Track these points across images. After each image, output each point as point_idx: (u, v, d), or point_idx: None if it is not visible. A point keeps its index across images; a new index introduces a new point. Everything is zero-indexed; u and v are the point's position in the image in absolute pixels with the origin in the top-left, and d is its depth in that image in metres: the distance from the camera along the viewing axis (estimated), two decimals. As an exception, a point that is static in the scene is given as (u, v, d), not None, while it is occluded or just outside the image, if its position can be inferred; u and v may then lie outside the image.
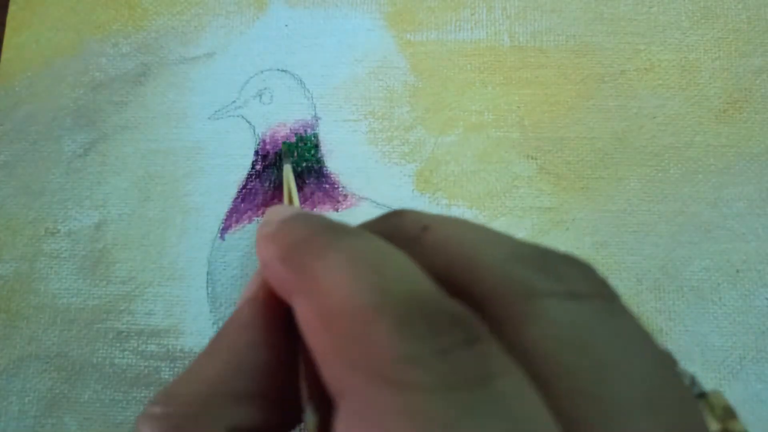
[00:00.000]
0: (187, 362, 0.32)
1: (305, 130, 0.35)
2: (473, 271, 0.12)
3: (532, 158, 0.34)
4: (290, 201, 0.26)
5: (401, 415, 0.10)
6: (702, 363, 0.31)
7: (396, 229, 0.14)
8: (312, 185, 0.34)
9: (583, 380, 0.10)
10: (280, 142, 0.35)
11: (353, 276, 0.12)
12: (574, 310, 0.11)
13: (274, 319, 0.15)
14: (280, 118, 0.35)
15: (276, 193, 0.34)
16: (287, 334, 0.15)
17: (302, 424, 0.15)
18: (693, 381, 0.21)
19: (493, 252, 0.12)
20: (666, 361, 0.11)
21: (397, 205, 0.34)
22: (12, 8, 0.38)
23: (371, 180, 0.34)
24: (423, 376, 0.10)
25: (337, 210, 0.34)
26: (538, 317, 0.11)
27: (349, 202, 0.34)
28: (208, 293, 0.33)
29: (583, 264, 0.13)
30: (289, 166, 0.33)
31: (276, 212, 0.16)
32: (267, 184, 0.34)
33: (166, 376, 0.32)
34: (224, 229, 0.34)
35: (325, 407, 0.13)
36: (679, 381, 0.11)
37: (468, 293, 0.12)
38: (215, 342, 0.15)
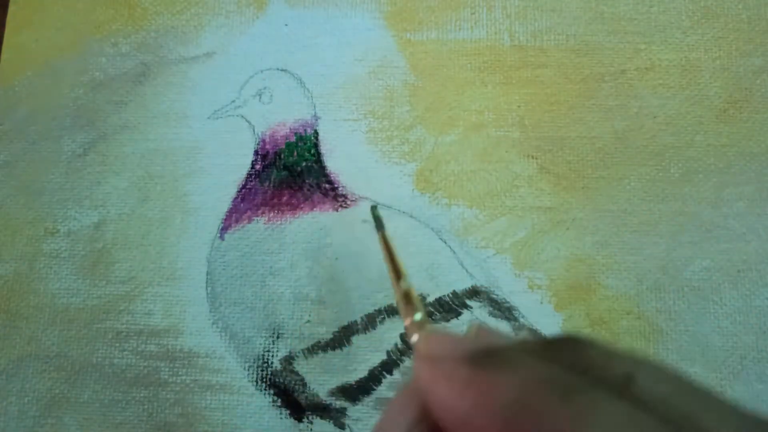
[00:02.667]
0: (186, 362, 0.32)
1: (305, 130, 0.35)
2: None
3: (532, 158, 0.34)
4: (398, 274, 0.21)
5: None
6: (703, 363, 0.31)
7: (584, 367, 0.12)
8: (311, 185, 0.34)
9: None
10: (280, 141, 0.35)
11: None
12: None
13: None
14: (280, 118, 0.35)
15: (276, 192, 0.34)
16: None
17: None
18: None
19: (722, 424, 0.11)
20: None
21: (397, 204, 0.34)
22: (12, 8, 0.38)
23: (371, 179, 0.34)
24: None
25: (336, 210, 0.34)
26: None
27: (348, 202, 0.34)
28: (207, 293, 0.33)
29: None
30: (384, 233, 0.26)
31: (441, 345, 0.14)
32: (266, 183, 0.34)
33: (166, 376, 0.32)
34: (224, 229, 0.34)
35: None
36: None
37: None
38: None
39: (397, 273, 0.21)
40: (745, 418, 0.11)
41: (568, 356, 0.12)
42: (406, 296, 0.19)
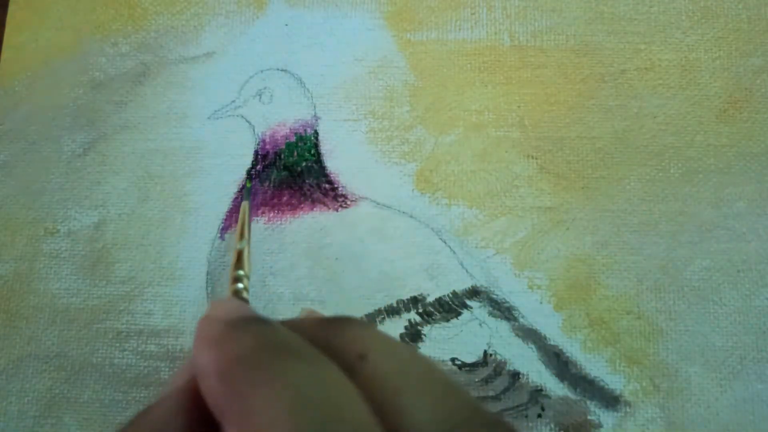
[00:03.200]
0: (186, 362, 0.32)
1: (305, 130, 0.35)
2: (404, 427, 0.12)
3: (532, 158, 0.34)
4: (241, 236, 0.25)
5: None
6: (702, 363, 0.31)
7: (334, 346, 0.13)
8: (311, 185, 0.34)
9: None
10: (280, 141, 0.35)
11: (293, 414, 0.10)
12: None
13: (197, 423, 0.13)
14: (280, 118, 0.35)
15: (276, 192, 0.34)
16: None
17: None
18: None
19: (425, 413, 0.12)
20: None
21: (397, 204, 0.34)
22: (12, 8, 0.38)
23: (371, 180, 0.34)
24: None
25: (336, 210, 0.34)
26: None
27: (348, 202, 0.34)
28: (207, 293, 0.33)
29: None
30: (246, 203, 0.32)
31: (222, 307, 0.15)
32: (266, 183, 0.34)
33: (166, 376, 0.32)
34: (224, 228, 0.34)
35: None
36: None
37: None
38: (133, 425, 0.14)
39: (241, 234, 0.25)
40: (456, 407, 0.12)
41: (326, 333, 0.14)
42: (237, 255, 0.22)
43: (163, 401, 0.14)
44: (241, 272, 0.21)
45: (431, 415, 0.12)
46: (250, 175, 0.34)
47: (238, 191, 0.34)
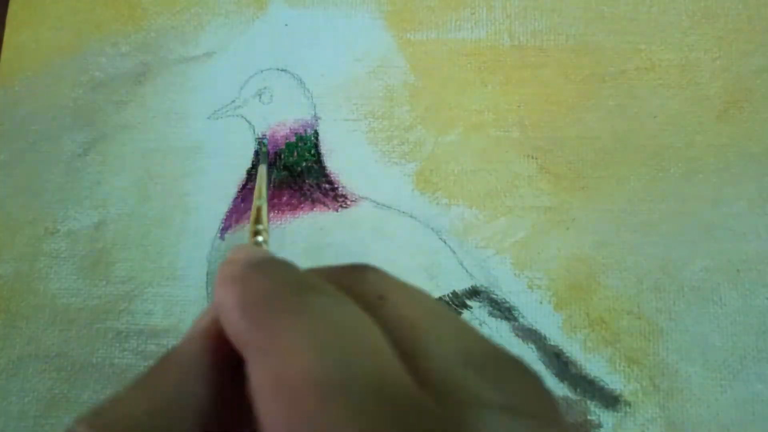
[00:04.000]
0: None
1: (305, 130, 0.35)
2: (423, 364, 0.12)
3: (532, 158, 0.34)
4: (259, 194, 0.26)
5: None
6: (702, 363, 0.31)
7: (354, 288, 0.13)
8: (311, 185, 0.34)
9: None
10: (280, 141, 0.35)
11: (317, 345, 0.11)
12: (509, 426, 0.11)
13: (222, 363, 0.14)
14: (280, 118, 0.35)
15: (276, 192, 0.34)
16: (234, 383, 0.14)
17: None
18: None
19: (445, 349, 0.12)
20: None
21: (397, 204, 0.34)
22: (12, 8, 0.38)
23: (371, 179, 0.34)
24: None
25: (336, 210, 0.34)
26: (476, 427, 0.11)
27: (348, 202, 0.34)
28: (207, 293, 0.33)
29: (531, 376, 0.12)
30: (264, 166, 0.32)
31: (244, 251, 0.15)
32: (267, 183, 0.34)
33: (166, 376, 0.32)
34: (224, 228, 0.34)
35: None
36: None
37: (416, 377, 0.11)
38: (155, 371, 0.14)
39: (259, 193, 0.26)
40: (473, 342, 0.12)
41: (348, 277, 0.14)
42: (257, 211, 0.23)
43: (186, 342, 0.14)
44: (260, 226, 0.22)
45: (448, 348, 0.12)
46: (262, 142, 0.35)
47: (239, 191, 0.34)
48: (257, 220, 0.23)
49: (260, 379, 0.11)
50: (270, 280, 0.13)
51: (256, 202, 0.25)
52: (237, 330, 0.13)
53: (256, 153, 0.35)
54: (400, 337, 0.12)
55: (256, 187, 0.30)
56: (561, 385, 0.31)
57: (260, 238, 0.21)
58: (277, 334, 0.11)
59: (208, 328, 0.14)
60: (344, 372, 0.10)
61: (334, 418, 0.10)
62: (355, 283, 0.14)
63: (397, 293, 0.13)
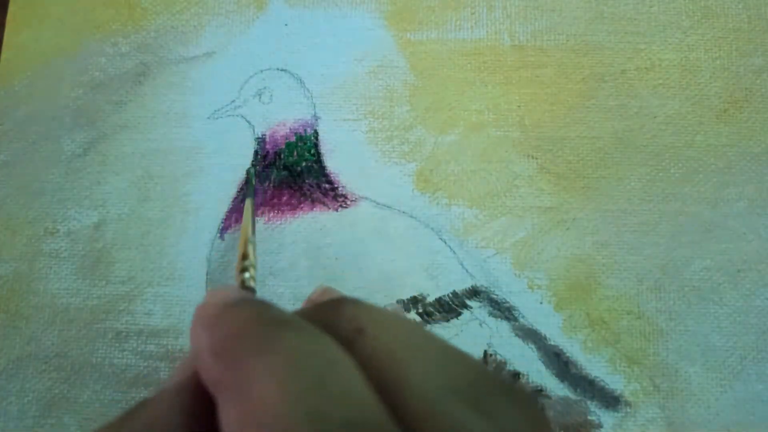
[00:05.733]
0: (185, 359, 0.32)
1: (305, 130, 0.35)
2: (404, 398, 0.11)
3: (532, 157, 0.34)
4: (245, 240, 0.26)
5: None
6: (703, 363, 0.31)
7: (332, 324, 0.13)
8: (311, 185, 0.34)
9: None
10: (280, 141, 0.35)
11: (289, 388, 0.10)
12: None
13: (199, 415, 0.13)
14: (280, 118, 0.35)
15: (275, 192, 0.34)
16: None
17: None
18: None
19: (427, 379, 0.12)
20: None
21: (397, 204, 0.34)
22: (12, 8, 0.38)
23: (371, 179, 0.34)
24: None
25: (336, 210, 0.34)
26: None
27: (348, 202, 0.34)
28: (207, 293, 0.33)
29: (522, 399, 0.12)
30: (250, 200, 0.31)
31: (220, 293, 0.14)
32: (266, 183, 0.34)
33: (165, 376, 0.32)
34: (224, 229, 0.34)
35: None
36: None
37: (397, 414, 0.11)
38: (128, 419, 0.13)
39: (246, 230, 0.26)
40: (459, 372, 0.12)
41: (326, 313, 0.14)
42: (245, 246, 0.23)
43: (160, 396, 0.14)
44: (248, 262, 0.22)
45: (432, 378, 0.12)
46: (252, 171, 0.34)
47: (238, 191, 0.34)
48: (244, 256, 0.23)
49: (230, 420, 0.11)
50: (242, 320, 0.13)
51: (243, 237, 0.25)
52: (209, 372, 0.12)
53: (245, 180, 0.34)
54: (380, 369, 0.12)
55: (243, 222, 0.29)
56: (561, 385, 0.31)
57: (247, 275, 0.21)
58: (248, 374, 0.11)
59: (183, 383, 0.14)
60: (313, 412, 0.10)
61: None
62: (333, 318, 0.13)
63: (375, 325, 0.13)
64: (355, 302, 0.14)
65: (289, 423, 0.10)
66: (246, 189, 0.34)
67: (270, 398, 0.10)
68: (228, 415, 0.11)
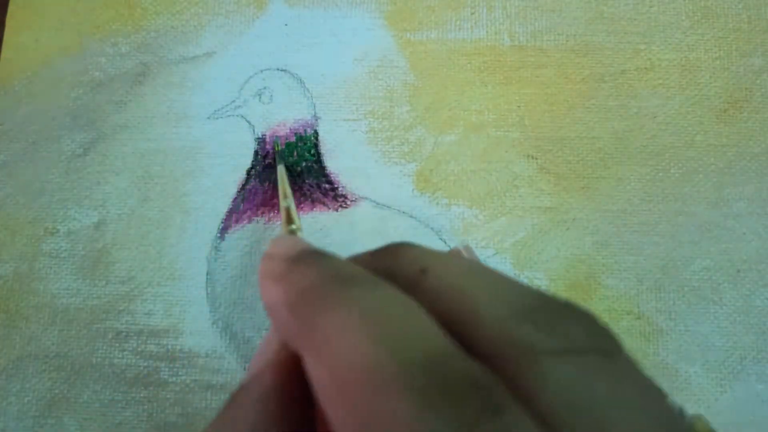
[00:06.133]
0: (186, 362, 0.32)
1: (305, 130, 0.35)
2: (475, 326, 0.12)
3: (532, 158, 0.34)
4: (284, 195, 0.26)
5: None
6: (702, 363, 0.31)
7: (393, 269, 0.14)
8: (311, 185, 0.34)
9: None
10: (280, 141, 0.35)
11: (366, 336, 0.11)
12: (574, 368, 0.11)
13: (298, 388, 0.14)
14: (280, 118, 0.35)
15: (275, 192, 0.34)
16: (312, 404, 0.14)
17: None
18: (681, 412, 0.21)
19: (494, 306, 0.12)
20: (665, 413, 0.11)
21: (397, 204, 0.34)
22: (12, 8, 0.38)
23: (371, 179, 0.34)
24: None
25: (336, 210, 0.34)
26: (540, 377, 0.11)
27: (348, 202, 0.34)
28: (207, 293, 0.33)
29: (583, 314, 0.12)
30: (282, 166, 0.33)
31: (281, 245, 0.15)
32: (266, 183, 0.34)
33: (166, 376, 0.32)
34: (224, 229, 0.34)
35: None
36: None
37: (469, 343, 0.12)
38: (230, 411, 0.14)
39: (284, 194, 0.26)
40: (521, 295, 0.12)
41: (386, 259, 0.14)
42: (286, 212, 0.23)
43: (257, 377, 0.14)
44: (293, 226, 0.22)
45: (496, 306, 0.12)
46: (276, 141, 0.35)
47: (238, 191, 0.34)
48: (289, 221, 0.23)
49: (319, 379, 0.12)
50: (311, 276, 0.13)
51: (282, 204, 0.26)
52: (288, 328, 0.13)
53: (274, 153, 0.34)
54: (449, 303, 0.12)
55: (279, 188, 0.31)
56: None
57: (300, 234, 0.22)
58: (327, 332, 0.12)
59: (277, 360, 0.14)
60: (396, 349, 0.11)
61: (395, 410, 0.10)
62: (394, 263, 0.14)
63: (437, 263, 0.14)
64: (412, 245, 0.15)
65: (376, 365, 0.10)
66: (276, 158, 0.34)
67: (348, 350, 0.11)
68: (316, 372, 0.12)
